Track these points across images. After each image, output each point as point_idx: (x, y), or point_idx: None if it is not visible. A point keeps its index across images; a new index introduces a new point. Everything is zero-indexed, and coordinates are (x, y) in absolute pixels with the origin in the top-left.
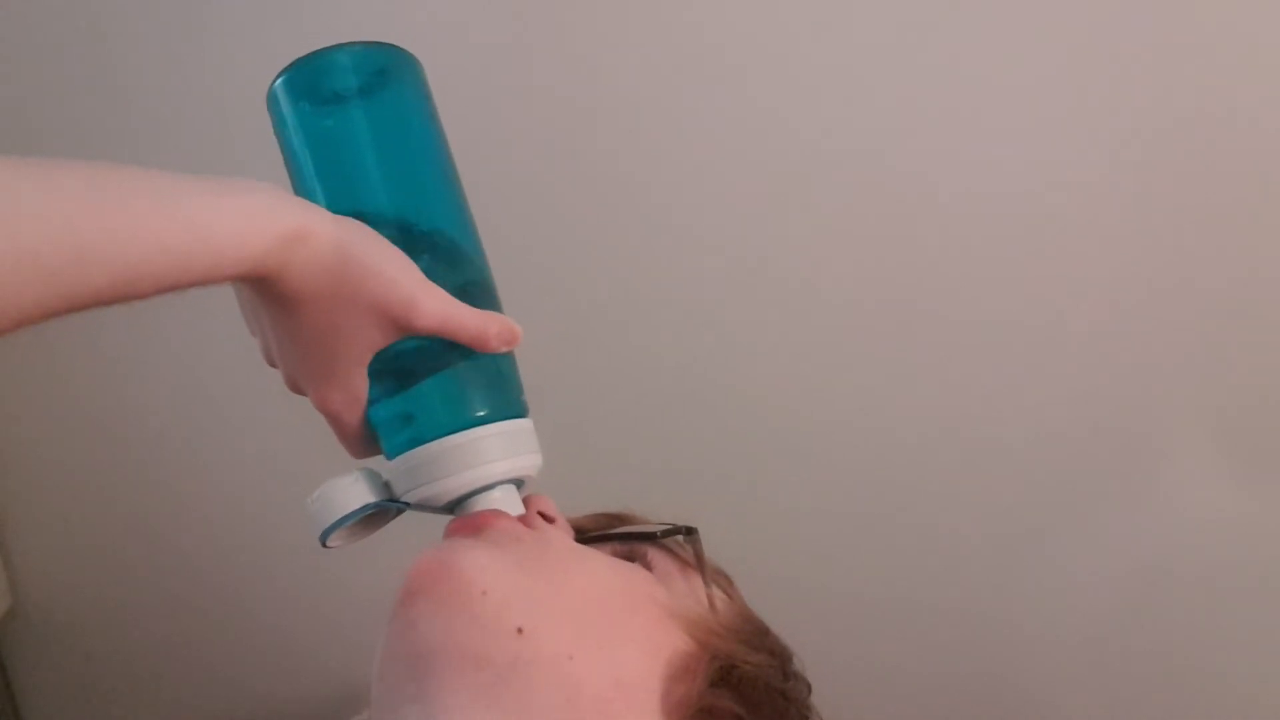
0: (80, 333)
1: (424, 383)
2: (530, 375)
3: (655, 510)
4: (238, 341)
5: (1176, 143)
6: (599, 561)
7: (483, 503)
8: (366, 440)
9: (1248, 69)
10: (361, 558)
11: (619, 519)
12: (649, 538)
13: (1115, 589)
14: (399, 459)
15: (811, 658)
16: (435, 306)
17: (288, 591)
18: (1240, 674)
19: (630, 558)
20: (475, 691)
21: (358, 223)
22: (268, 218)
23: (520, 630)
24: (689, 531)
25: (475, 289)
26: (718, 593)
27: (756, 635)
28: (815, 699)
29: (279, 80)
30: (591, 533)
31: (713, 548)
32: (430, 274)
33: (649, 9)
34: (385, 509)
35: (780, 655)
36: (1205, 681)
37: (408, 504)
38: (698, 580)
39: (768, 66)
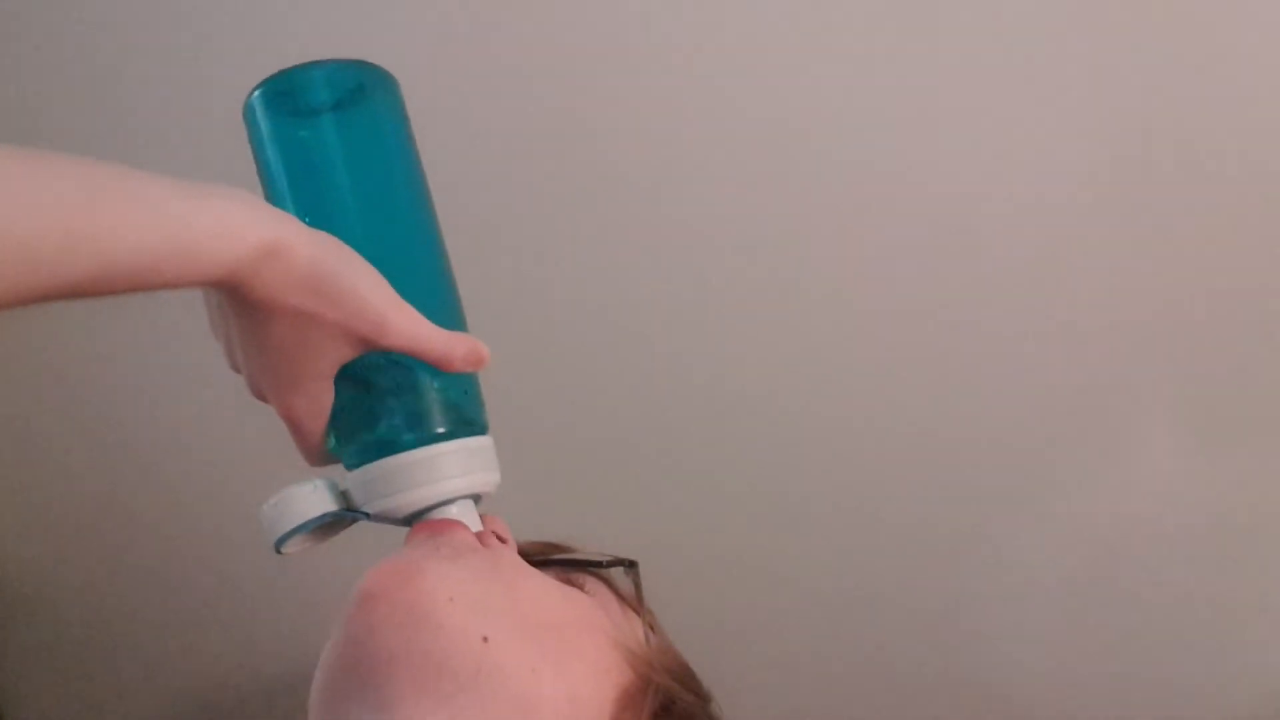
0: (52, 314)
1: (388, 398)
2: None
3: (601, 496)
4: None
5: (1145, 135)
6: (547, 582)
7: (441, 517)
8: (326, 450)
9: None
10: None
11: (558, 547)
12: (593, 567)
13: (1078, 573)
14: (359, 470)
15: (777, 648)
16: (404, 326)
17: (265, 563)
18: (1203, 650)
19: (569, 585)
20: (437, 701)
21: (332, 238)
22: (244, 227)
23: (486, 639)
24: (630, 564)
25: (442, 308)
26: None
27: (688, 675)
28: (779, 688)
29: (256, 92)
30: (534, 557)
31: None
32: (398, 291)
33: (643, 5)
34: (342, 518)
35: (705, 696)
36: (1171, 660)
37: (367, 514)
38: (632, 614)
39: (757, 60)
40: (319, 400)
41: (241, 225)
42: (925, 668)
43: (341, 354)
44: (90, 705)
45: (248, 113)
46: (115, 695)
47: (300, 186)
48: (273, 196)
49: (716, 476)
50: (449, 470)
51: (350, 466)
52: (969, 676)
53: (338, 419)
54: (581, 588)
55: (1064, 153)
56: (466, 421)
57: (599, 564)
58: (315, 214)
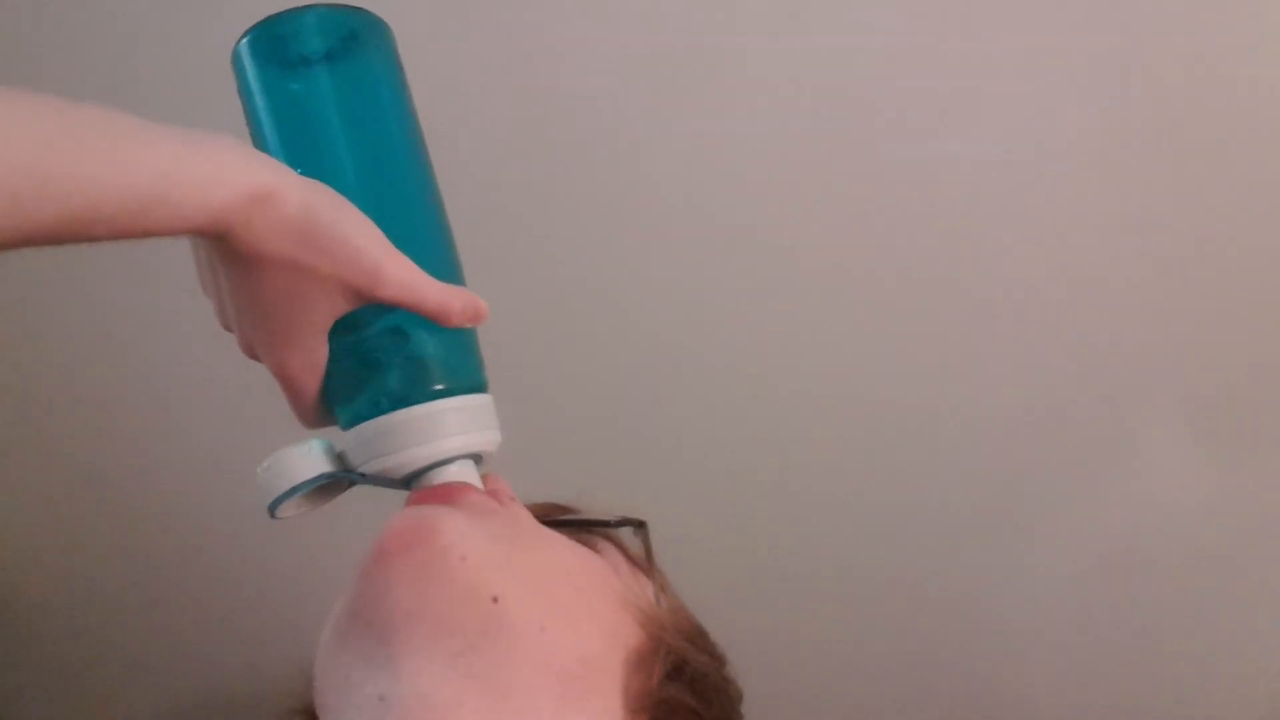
0: (47, 319)
1: (384, 353)
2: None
3: (613, 493)
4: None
5: (1155, 131)
6: (558, 541)
7: (440, 477)
8: (321, 409)
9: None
10: (339, 524)
11: (564, 508)
12: (601, 527)
13: (1089, 575)
14: (355, 430)
15: (789, 643)
16: (400, 277)
17: (267, 561)
18: (1215, 655)
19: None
20: (446, 659)
21: (326, 187)
22: (234, 172)
23: (496, 599)
24: (640, 525)
25: (439, 262)
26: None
27: (700, 636)
28: (789, 684)
29: (244, 40)
30: (541, 518)
31: (675, 530)
32: (394, 244)
33: None
34: (338, 480)
35: (720, 658)
36: (1180, 662)
37: (364, 475)
38: (642, 576)
39: (754, 49)
40: (313, 355)
41: (231, 170)
42: (936, 662)
43: (335, 307)
44: (89, 705)
45: (236, 61)
46: (114, 695)
47: (292, 138)
48: (263, 147)
49: (728, 466)
50: (449, 428)
51: (346, 426)
52: (979, 673)
53: (332, 376)
54: (593, 549)
55: (1081, 160)
56: (465, 378)
57: (607, 524)
58: (307, 166)
